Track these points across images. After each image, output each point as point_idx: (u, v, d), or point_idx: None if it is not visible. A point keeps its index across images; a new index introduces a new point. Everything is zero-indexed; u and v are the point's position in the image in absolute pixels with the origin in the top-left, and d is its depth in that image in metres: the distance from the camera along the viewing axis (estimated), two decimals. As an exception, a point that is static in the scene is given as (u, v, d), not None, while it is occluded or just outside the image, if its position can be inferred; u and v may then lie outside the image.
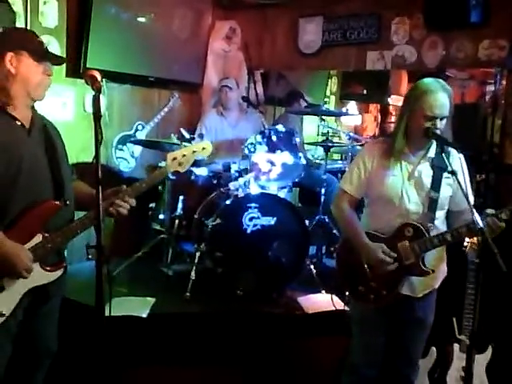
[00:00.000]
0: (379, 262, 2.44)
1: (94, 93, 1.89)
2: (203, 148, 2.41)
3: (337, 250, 2.72)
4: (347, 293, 2.77)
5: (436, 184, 2.46)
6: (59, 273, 2.21)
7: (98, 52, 4.38)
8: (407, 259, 2.45)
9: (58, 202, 2.14)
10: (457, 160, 2.46)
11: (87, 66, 4.25)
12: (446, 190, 2.49)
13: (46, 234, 2.12)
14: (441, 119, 2.38)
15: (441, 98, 2.35)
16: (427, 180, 2.47)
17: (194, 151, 2.37)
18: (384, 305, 2.52)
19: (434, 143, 2.47)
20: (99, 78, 1.96)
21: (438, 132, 2.37)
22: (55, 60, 2.23)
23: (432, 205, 2.46)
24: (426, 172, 2.48)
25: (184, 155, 2.34)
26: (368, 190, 2.56)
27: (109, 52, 4.54)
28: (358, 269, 2.52)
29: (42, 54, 2.14)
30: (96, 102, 1.86)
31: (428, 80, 2.44)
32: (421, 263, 2.45)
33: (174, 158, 2.33)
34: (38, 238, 2.11)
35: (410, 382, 2.72)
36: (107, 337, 1.84)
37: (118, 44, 4.61)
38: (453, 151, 2.45)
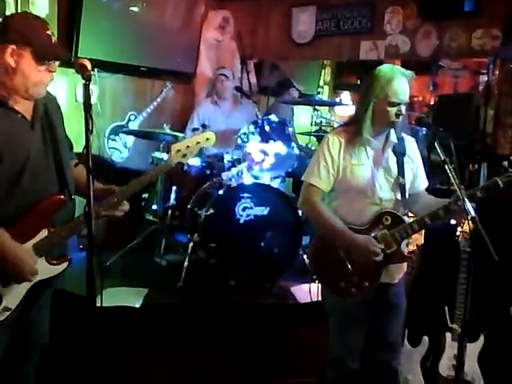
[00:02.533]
0: (371, 255, 2.40)
1: (84, 82, 1.86)
2: (207, 138, 2.35)
3: (310, 250, 2.64)
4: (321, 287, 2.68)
5: (401, 170, 2.47)
6: (64, 266, 2.19)
7: (89, 41, 4.36)
8: (389, 248, 2.42)
9: (63, 197, 2.11)
10: (413, 144, 2.50)
11: (78, 55, 4.23)
12: (409, 175, 2.51)
13: (52, 229, 2.10)
14: (404, 104, 2.40)
15: (403, 83, 2.38)
16: (394, 166, 2.48)
17: (197, 142, 2.32)
18: (366, 296, 2.49)
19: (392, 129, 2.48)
20: (89, 67, 1.92)
21: (401, 118, 2.39)
22: (60, 57, 2.12)
23: (402, 191, 2.47)
24: (391, 158, 2.49)
25: (188, 146, 2.29)
26: (336, 182, 2.48)
27: (100, 41, 4.51)
28: (338, 265, 2.46)
29: (46, 54, 2.02)
30: (86, 91, 1.84)
31: (388, 67, 2.46)
32: (401, 250, 2.45)
33: (178, 150, 2.28)
34: (44, 233, 2.09)
35: (393, 368, 2.68)
36: (99, 327, 1.83)
37: (109, 33, 4.58)
38: (408, 137, 2.51)
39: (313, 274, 2.69)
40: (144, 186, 2.27)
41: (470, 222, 2.18)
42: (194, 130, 2.58)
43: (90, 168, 1.75)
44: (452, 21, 4.25)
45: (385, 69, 2.45)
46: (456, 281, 2.95)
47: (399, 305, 2.62)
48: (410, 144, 2.53)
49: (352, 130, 2.47)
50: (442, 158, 2.32)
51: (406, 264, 2.59)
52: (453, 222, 2.69)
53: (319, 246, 2.56)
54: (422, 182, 2.60)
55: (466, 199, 2.20)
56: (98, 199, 2.12)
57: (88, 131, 1.79)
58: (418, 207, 2.52)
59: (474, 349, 3.05)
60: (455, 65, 5.09)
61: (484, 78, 4.55)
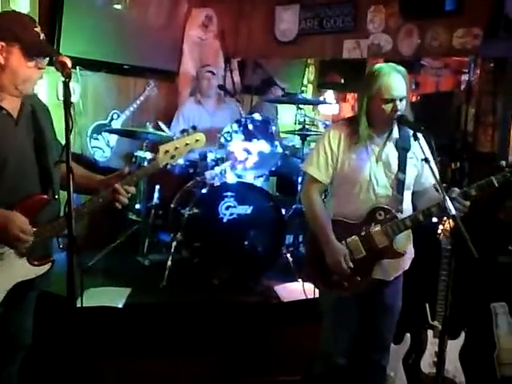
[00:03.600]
0: (336, 264, 2.44)
1: (63, 79, 1.84)
2: (196, 140, 2.33)
3: (306, 240, 2.70)
4: (316, 282, 2.70)
5: (402, 165, 2.47)
6: (47, 267, 2.16)
7: (71, 39, 4.31)
8: (381, 243, 2.45)
9: (46, 196, 2.09)
10: (423, 143, 2.48)
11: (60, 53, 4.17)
12: (412, 171, 2.51)
13: (34, 229, 2.07)
14: (400, 100, 2.40)
15: (395, 79, 2.39)
16: (394, 161, 2.49)
17: (186, 143, 2.30)
18: (358, 291, 2.51)
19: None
20: (69, 64, 1.91)
21: (400, 113, 2.39)
22: (49, 53, 2.10)
23: (399, 186, 2.47)
24: (392, 153, 2.50)
25: (176, 148, 2.27)
26: (335, 175, 2.52)
27: (82, 39, 4.47)
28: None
29: (35, 50, 2.03)
30: (66, 88, 1.82)
31: (383, 64, 2.50)
32: (394, 246, 2.47)
33: (167, 151, 2.26)
34: None
35: (382, 367, 2.74)
36: (81, 328, 1.81)
37: (92, 31, 4.54)
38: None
39: (308, 267, 2.67)
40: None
41: (450, 219, 2.21)
42: (184, 131, 2.53)
43: (69, 167, 1.73)
44: (433, 20, 4.27)
45: (379, 66, 2.48)
46: (438, 278, 2.98)
47: (394, 305, 2.64)
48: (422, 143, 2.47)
49: (352, 125, 2.50)
50: (424, 156, 2.34)
51: (404, 262, 2.59)
52: (434, 220, 2.72)
53: (313, 240, 2.57)
54: (430, 178, 2.50)
55: (448, 198, 2.22)
56: (95, 192, 2.17)
57: (68, 129, 1.77)
58: (423, 203, 2.51)
59: (455, 346, 3.09)
60: (437, 64, 5.13)
61: (466, 77, 4.59)
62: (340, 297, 2.54)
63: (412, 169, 2.51)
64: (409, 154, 2.48)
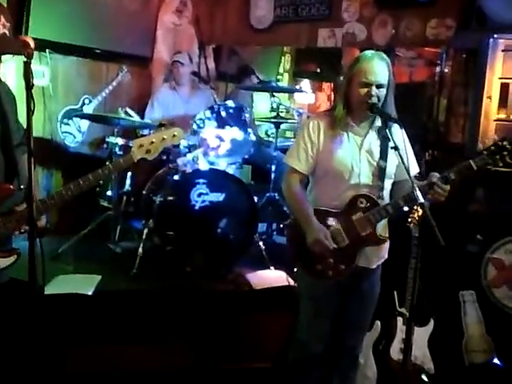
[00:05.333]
0: (316, 242, 2.42)
1: (25, 60, 1.79)
2: (174, 135, 2.28)
3: (288, 230, 2.64)
4: (296, 269, 2.73)
5: (384, 153, 2.48)
6: (12, 259, 2.13)
7: (40, 22, 4.22)
8: (364, 230, 2.45)
9: (12, 187, 2.04)
10: (399, 133, 2.49)
11: (29, 35, 4.08)
12: (393, 159, 2.51)
13: None
14: (377, 87, 2.39)
15: (375, 64, 2.39)
16: (376, 149, 2.50)
17: (163, 138, 2.25)
18: (343, 278, 2.51)
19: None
20: (32, 45, 1.86)
21: (375, 100, 2.39)
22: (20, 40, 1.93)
23: (381, 174, 2.48)
24: (374, 142, 2.51)
25: (152, 142, 2.22)
26: (316, 165, 2.52)
27: (53, 22, 4.37)
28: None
29: None
30: (27, 69, 1.77)
31: (365, 51, 2.49)
32: (376, 233, 2.48)
33: (141, 145, 2.21)
34: None
35: (355, 355, 2.76)
36: (47, 315, 1.78)
37: (62, 14, 4.44)
38: (395, 125, 2.47)
39: (290, 257, 2.65)
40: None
41: (418, 207, 2.23)
42: (161, 125, 2.50)
43: (30, 149, 1.70)
44: (407, 10, 4.27)
45: (364, 52, 2.48)
46: (406, 266, 3.01)
47: (374, 293, 2.66)
48: (397, 131, 2.48)
49: (333, 114, 2.49)
50: (393, 144, 2.35)
51: (384, 250, 2.61)
52: (405, 208, 2.73)
53: (295, 229, 2.54)
54: (413, 168, 2.55)
55: (416, 186, 2.25)
56: None
57: (30, 111, 1.73)
58: (403, 192, 2.50)
59: (424, 333, 3.13)
60: (410, 54, 5.16)
61: (439, 68, 4.62)
62: (320, 285, 2.53)
63: (393, 158, 2.51)
64: (391, 144, 2.46)
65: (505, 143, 2.31)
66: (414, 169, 2.59)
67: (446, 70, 4.41)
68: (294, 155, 2.54)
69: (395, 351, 3.10)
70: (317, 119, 2.55)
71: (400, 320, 3.11)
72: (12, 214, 2.06)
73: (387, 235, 2.57)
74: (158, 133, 2.28)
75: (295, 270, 2.78)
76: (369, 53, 2.45)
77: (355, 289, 2.59)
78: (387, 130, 2.39)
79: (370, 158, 2.49)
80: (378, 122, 2.50)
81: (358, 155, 2.48)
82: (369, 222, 2.45)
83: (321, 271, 2.49)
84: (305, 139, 2.51)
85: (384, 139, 2.48)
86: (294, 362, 2.70)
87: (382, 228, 2.53)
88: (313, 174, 2.57)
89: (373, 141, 2.50)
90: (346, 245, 2.47)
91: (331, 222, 2.48)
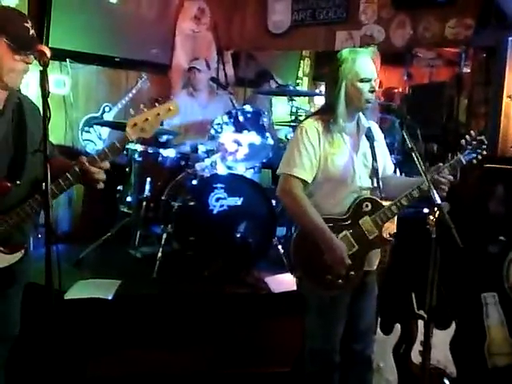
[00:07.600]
0: (339, 260, 2.36)
1: (41, 68, 1.83)
2: (169, 109, 2.11)
3: (293, 243, 2.50)
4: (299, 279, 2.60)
5: (374, 154, 2.48)
6: (19, 255, 2.14)
7: (61, 32, 4.31)
8: (371, 234, 2.43)
9: (9, 184, 2.06)
10: (377, 128, 2.52)
11: (50, 46, 4.16)
12: (381, 160, 2.52)
13: None
14: (374, 81, 2.41)
15: (368, 60, 2.41)
16: (368, 151, 2.48)
17: (157, 114, 2.09)
18: (354, 286, 2.47)
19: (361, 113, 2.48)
20: (48, 54, 1.89)
21: (374, 95, 2.41)
22: (36, 50, 2.00)
23: (376, 175, 2.47)
24: (365, 144, 2.49)
25: (147, 119, 2.09)
26: (317, 172, 2.42)
27: (73, 32, 4.46)
28: (323, 258, 2.39)
29: (22, 43, 2.00)
30: (43, 78, 1.81)
31: (348, 49, 2.48)
32: (382, 234, 2.45)
33: (135, 124, 2.10)
34: None
35: (366, 356, 2.65)
36: (68, 319, 1.81)
37: (82, 24, 4.53)
38: (371, 121, 2.53)
39: (296, 268, 2.53)
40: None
41: (436, 209, 2.21)
42: (156, 100, 2.38)
43: (46, 156, 1.72)
44: (426, 10, 4.26)
45: (346, 51, 2.46)
46: (426, 268, 2.97)
47: (373, 292, 2.63)
48: (376, 128, 2.53)
49: (327, 118, 2.42)
50: (410, 145, 2.33)
51: (379, 250, 2.59)
52: (426, 210, 2.71)
53: (302, 239, 2.45)
54: (391, 165, 2.63)
55: (433, 187, 2.22)
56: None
57: (45, 119, 1.76)
58: (389, 190, 2.51)
59: (445, 336, 3.08)
60: (430, 54, 5.11)
61: (458, 68, 4.57)
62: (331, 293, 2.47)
63: (380, 157, 2.52)
64: (375, 143, 2.49)
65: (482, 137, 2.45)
66: (390, 167, 2.62)
67: (466, 70, 4.36)
68: (297, 164, 2.38)
69: (416, 354, 3.06)
70: (312, 123, 2.43)
71: (421, 323, 3.07)
72: (11, 210, 2.07)
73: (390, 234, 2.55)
74: (151, 109, 2.13)
75: (295, 278, 2.63)
76: (355, 50, 2.49)
77: (360, 292, 2.54)
78: (403, 132, 2.38)
79: (365, 160, 2.48)
80: (365, 123, 2.49)
81: (355, 158, 2.45)
82: (376, 225, 2.42)
83: (331, 281, 2.41)
84: (306, 145, 2.38)
85: (371, 140, 2.48)
86: (312, 373, 2.57)
87: (384, 229, 2.50)
88: (312, 181, 2.44)
89: (365, 143, 2.49)
90: (355, 251, 2.42)
91: (336, 229, 2.40)
